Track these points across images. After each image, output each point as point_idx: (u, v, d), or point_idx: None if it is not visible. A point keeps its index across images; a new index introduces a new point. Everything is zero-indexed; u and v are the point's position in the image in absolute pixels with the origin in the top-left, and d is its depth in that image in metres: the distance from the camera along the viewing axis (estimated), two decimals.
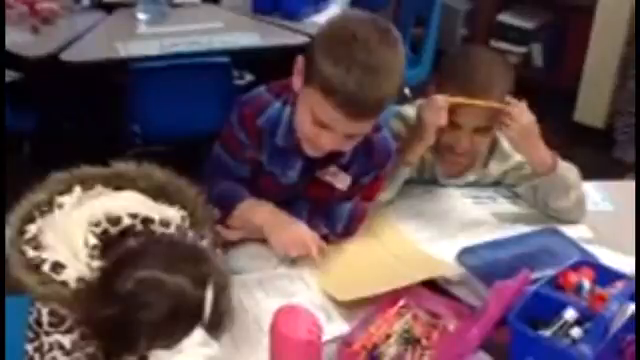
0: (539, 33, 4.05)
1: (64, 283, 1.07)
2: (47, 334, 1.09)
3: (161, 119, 2.70)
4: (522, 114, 1.56)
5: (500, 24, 4.13)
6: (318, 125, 1.37)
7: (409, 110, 1.73)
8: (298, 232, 1.47)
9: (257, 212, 1.50)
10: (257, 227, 1.49)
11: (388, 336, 1.29)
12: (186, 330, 1.01)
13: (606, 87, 3.59)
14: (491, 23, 4.17)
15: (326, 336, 1.24)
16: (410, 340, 1.28)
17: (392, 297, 1.37)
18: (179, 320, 1.01)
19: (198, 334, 1.02)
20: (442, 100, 1.55)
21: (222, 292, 1.05)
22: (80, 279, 1.07)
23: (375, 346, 1.26)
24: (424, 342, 1.29)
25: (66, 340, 1.09)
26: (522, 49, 4.09)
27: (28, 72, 2.94)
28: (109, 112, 2.85)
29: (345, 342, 1.27)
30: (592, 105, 3.70)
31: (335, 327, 1.34)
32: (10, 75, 2.95)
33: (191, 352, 1.01)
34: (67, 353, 1.10)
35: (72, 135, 3.02)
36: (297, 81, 1.41)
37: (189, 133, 2.64)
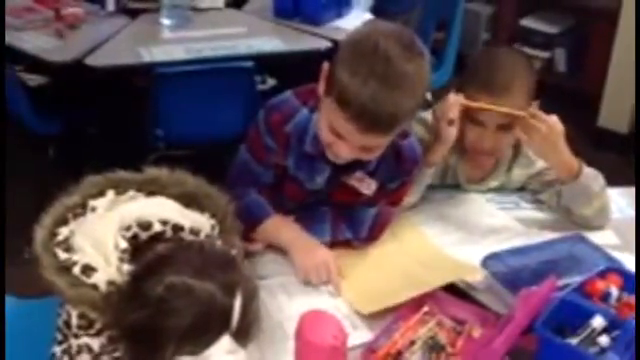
0: (562, 38, 4.02)
1: (94, 286, 1.08)
2: (76, 336, 1.10)
3: (184, 123, 2.71)
4: (542, 124, 1.54)
5: (523, 28, 4.10)
6: (334, 134, 1.37)
7: (430, 115, 1.72)
8: (322, 258, 1.47)
9: (282, 232, 1.51)
10: (281, 247, 1.51)
11: (412, 342, 1.28)
12: (214, 337, 1.01)
13: (630, 92, 3.55)
14: (514, 27, 4.14)
15: (350, 344, 1.24)
16: (435, 347, 1.28)
17: (416, 303, 1.37)
18: (207, 327, 1.01)
19: (225, 341, 1.02)
20: (454, 98, 1.55)
21: (250, 300, 1.05)
22: (110, 282, 1.08)
23: (399, 352, 1.26)
24: (449, 349, 1.28)
25: (95, 343, 1.10)
26: (545, 54, 4.06)
27: (53, 77, 2.97)
28: (133, 116, 2.87)
29: (369, 349, 1.27)
30: (616, 110, 3.67)
31: (360, 335, 1.33)
32: (35, 80, 2.99)
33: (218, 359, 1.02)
34: (95, 356, 1.11)
35: (96, 139, 3.05)
36: (321, 87, 1.41)
37: (212, 137, 2.65)
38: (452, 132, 1.56)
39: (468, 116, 1.58)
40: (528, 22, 4.09)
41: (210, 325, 1.01)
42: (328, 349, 1.16)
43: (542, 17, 4.08)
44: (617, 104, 3.65)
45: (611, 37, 3.58)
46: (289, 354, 1.23)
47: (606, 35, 3.62)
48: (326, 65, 1.40)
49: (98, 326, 1.10)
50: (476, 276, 1.46)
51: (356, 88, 1.29)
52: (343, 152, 1.40)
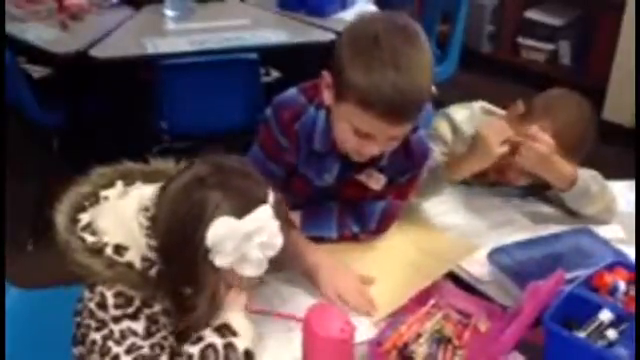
0: (567, 30, 4.01)
1: (129, 264, 1.11)
2: (116, 320, 1.11)
3: (188, 115, 2.71)
4: (537, 143, 1.54)
5: (527, 20, 4.09)
6: (362, 137, 1.35)
7: (457, 112, 1.72)
8: (353, 283, 1.43)
9: (310, 253, 1.46)
10: (308, 266, 1.45)
11: (419, 335, 1.28)
12: (254, 203, 1.12)
13: (634, 85, 3.54)
14: (518, 19, 4.13)
15: (355, 339, 1.23)
16: (441, 339, 1.28)
17: (422, 297, 1.37)
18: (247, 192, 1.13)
19: (267, 208, 1.12)
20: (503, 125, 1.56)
21: (279, 205, 1.17)
22: (144, 259, 1.11)
23: (406, 345, 1.26)
24: (455, 341, 1.28)
25: (139, 327, 1.11)
26: (550, 46, 4.06)
27: (57, 68, 2.97)
28: (137, 108, 2.87)
29: (376, 341, 1.27)
30: (620, 103, 3.66)
31: (365, 331, 1.32)
32: (39, 71, 2.98)
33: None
34: (143, 339, 1.11)
35: (100, 131, 3.05)
36: (327, 96, 1.38)
37: (216, 129, 2.65)
38: (498, 153, 1.54)
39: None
40: (533, 14, 4.09)
41: (249, 192, 1.13)
42: (336, 342, 1.16)
43: (547, 9, 4.07)
44: (622, 97, 3.64)
45: (616, 30, 3.57)
46: (292, 347, 1.23)
47: (611, 27, 3.61)
48: (326, 74, 1.37)
49: (137, 303, 1.11)
50: (475, 254, 1.48)
51: (376, 86, 1.26)
52: (372, 150, 1.38)
